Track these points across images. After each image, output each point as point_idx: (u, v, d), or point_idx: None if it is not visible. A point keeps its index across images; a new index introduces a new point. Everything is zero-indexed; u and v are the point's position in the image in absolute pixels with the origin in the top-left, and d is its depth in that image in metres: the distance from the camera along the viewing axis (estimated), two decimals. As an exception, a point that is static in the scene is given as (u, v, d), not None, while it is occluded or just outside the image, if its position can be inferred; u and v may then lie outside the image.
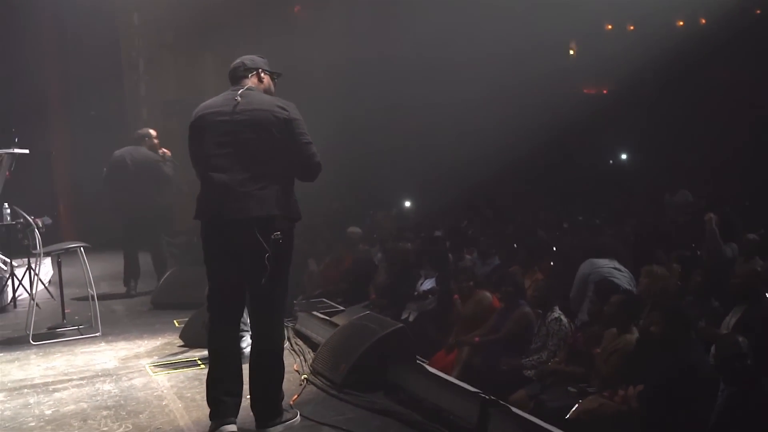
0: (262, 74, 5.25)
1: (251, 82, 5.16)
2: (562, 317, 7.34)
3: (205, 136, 4.99)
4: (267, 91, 5.22)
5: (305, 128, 4.99)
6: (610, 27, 22.31)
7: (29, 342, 7.88)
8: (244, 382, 5.06)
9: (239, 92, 5.01)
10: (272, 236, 4.78)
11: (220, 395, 4.91)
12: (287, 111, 4.95)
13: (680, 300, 6.89)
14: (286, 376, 5.82)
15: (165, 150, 10.51)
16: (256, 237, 4.76)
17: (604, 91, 22.87)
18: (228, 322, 5.11)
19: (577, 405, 6.02)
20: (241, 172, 4.85)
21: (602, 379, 6.30)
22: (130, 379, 6.55)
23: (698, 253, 8.64)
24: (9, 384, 6.57)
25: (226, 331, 5.10)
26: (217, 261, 5.04)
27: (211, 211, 4.98)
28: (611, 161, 21.67)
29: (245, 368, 5.08)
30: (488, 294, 8.25)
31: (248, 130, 4.89)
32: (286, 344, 7.28)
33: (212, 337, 5.09)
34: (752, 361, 5.06)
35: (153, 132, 10.77)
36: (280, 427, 5.02)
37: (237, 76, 5.19)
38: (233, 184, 4.84)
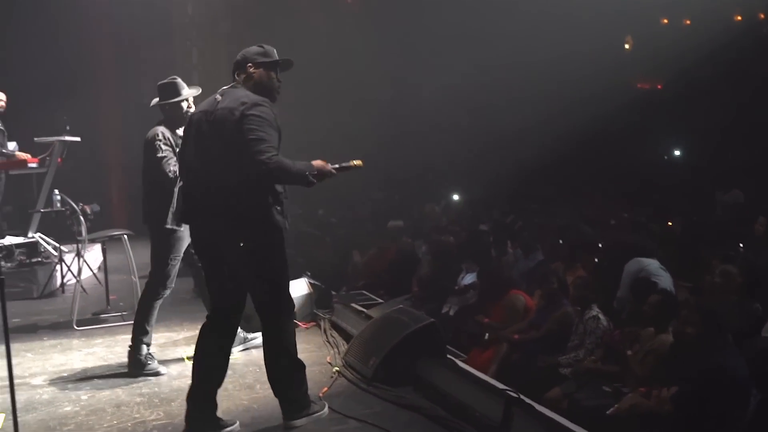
0: (251, 69, 4.92)
1: (241, 77, 4.93)
2: (600, 315, 7.28)
3: (188, 137, 5.01)
4: (257, 86, 4.88)
5: (260, 124, 4.59)
6: (665, 21, 21.99)
7: (73, 327, 8.05)
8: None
9: (220, 90, 4.94)
10: (240, 244, 4.76)
11: None
12: (245, 106, 4.65)
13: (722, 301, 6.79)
14: (318, 367, 5.87)
15: None
16: (226, 244, 4.83)
17: (659, 86, 22.55)
18: None
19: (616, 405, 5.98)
20: (208, 175, 4.78)
21: (637, 379, 6.25)
22: (167, 366, 6.63)
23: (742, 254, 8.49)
24: (49, 368, 6.71)
25: None
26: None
27: (182, 215, 5.28)
28: (665, 157, 21.36)
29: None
30: (521, 296, 8.19)
31: (214, 131, 4.76)
32: (322, 336, 7.39)
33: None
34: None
35: None
36: (304, 420, 5.03)
37: (232, 72, 5.02)
38: (201, 188, 4.84)
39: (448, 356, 6.20)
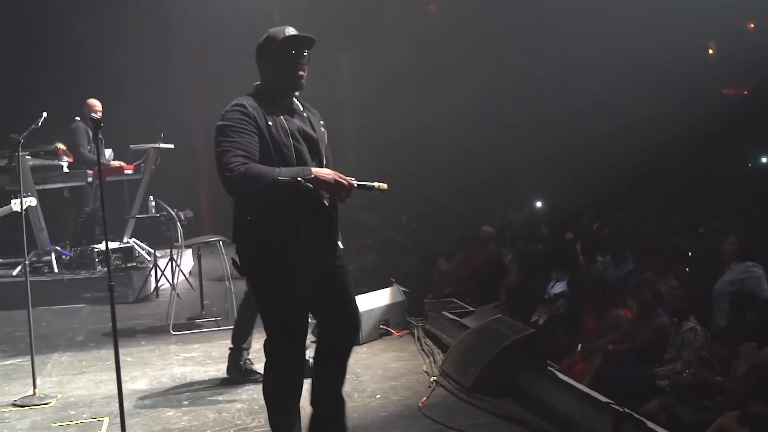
0: (261, 67, 4.38)
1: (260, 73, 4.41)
2: (698, 327, 7.16)
3: None
4: (273, 82, 4.33)
5: (224, 133, 4.09)
6: (752, 26, 21.55)
7: (169, 332, 8.22)
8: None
9: None
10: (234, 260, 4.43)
11: None
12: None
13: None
14: (414, 377, 5.89)
15: None
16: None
17: (745, 92, 22.11)
18: None
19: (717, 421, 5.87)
20: None
21: (741, 394, 6.13)
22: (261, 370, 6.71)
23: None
24: (150, 373, 6.87)
25: None
26: None
27: None
28: (750, 164, 20.95)
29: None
30: (622, 313, 8.07)
31: None
32: (416, 344, 7.40)
33: None
34: None
35: None
36: None
37: None
38: None
39: (549, 368, 6.16)
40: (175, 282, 9.07)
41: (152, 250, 10.33)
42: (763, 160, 20.99)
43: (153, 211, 10.16)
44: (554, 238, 11.60)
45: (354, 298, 4.57)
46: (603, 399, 5.16)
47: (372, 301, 7.85)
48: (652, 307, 7.70)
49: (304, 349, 4.46)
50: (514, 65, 17.74)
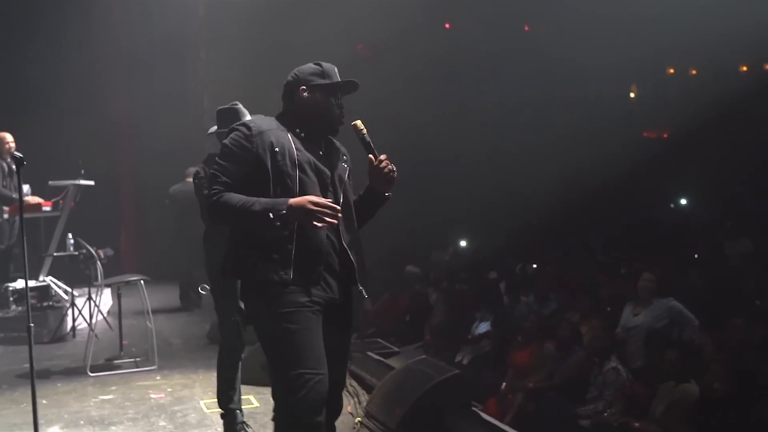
0: (305, 93, 4.07)
1: (292, 103, 4.13)
2: (620, 367, 7.24)
3: None
4: (312, 113, 4.06)
5: (223, 152, 3.90)
6: (672, 71, 22.18)
7: (87, 373, 7.97)
8: None
9: None
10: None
11: None
12: None
13: (743, 355, 6.75)
14: (340, 418, 5.79)
15: None
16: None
17: (665, 135, 22.66)
18: None
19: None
20: None
21: (661, 430, 6.20)
22: (185, 415, 6.58)
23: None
24: (65, 416, 6.64)
25: None
26: None
27: None
28: (672, 206, 21.41)
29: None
30: (551, 346, 8.13)
31: None
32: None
33: None
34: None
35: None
36: None
37: (283, 97, 4.22)
38: None
39: (473, 407, 6.15)
40: (93, 322, 8.84)
41: (69, 289, 10.08)
42: (683, 202, 21.47)
43: (71, 249, 9.92)
44: (479, 279, 11.63)
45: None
46: (527, 439, 5.16)
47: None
48: (570, 344, 7.79)
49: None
50: (444, 105, 17.87)
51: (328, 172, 4.02)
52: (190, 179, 11.78)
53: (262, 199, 3.75)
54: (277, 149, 3.87)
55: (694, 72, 21.85)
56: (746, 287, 9.60)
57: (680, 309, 7.96)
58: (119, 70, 15.48)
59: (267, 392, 6.99)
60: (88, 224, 10.80)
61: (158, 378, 7.89)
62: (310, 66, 4.11)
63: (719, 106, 17.56)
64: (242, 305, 4.02)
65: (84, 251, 9.20)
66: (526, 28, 20.32)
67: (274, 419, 3.93)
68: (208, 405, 6.85)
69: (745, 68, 21.14)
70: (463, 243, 16.70)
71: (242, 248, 3.88)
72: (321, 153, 4.05)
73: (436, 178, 18.09)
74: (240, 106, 5.80)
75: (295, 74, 4.10)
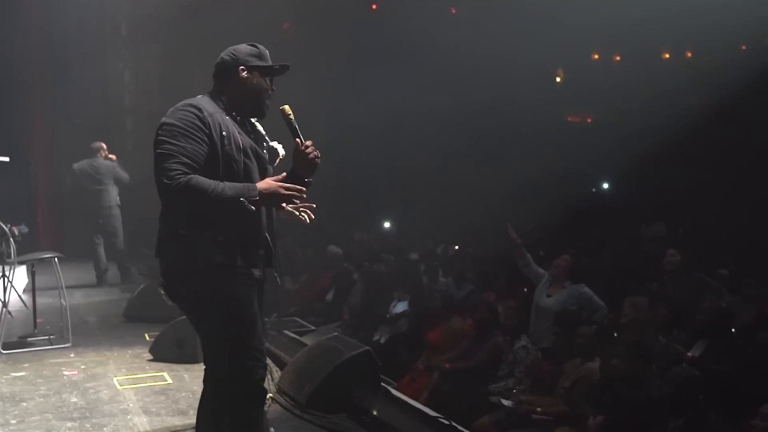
0: (244, 73, 4.04)
1: (226, 83, 4.08)
2: (529, 345, 7.40)
3: None
4: (248, 95, 4.04)
5: (171, 134, 3.77)
6: (596, 56, 22.51)
7: (-1, 350, 7.87)
8: None
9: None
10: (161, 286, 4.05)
11: None
12: (168, 113, 3.92)
13: (647, 333, 6.95)
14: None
15: (113, 156, 12.11)
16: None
17: (588, 120, 23.01)
18: None
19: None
20: None
21: (566, 407, 6.36)
22: (97, 391, 6.57)
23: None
24: (-25, 392, 6.58)
25: None
26: None
27: None
28: (593, 190, 21.75)
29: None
30: (459, 320, 8.27)
31: None
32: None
33: None
34: (704, 396, 5.16)
35: (104, 145, 12.14)
36: None
37: (214, 76, 4.17)
38: None
39: (382, 384, 6.24)
40: (6, 299, 8.71)
41: (-18, 267, 9.91)
42: (605, 186, 21.82)
43: (-16, 226, 9.75)
44: (399, 259, 11.72)
45: None
46: (432, 414, 5.27)
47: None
48: (489, 326, 7.90)
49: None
50: (364, 89, 17.89)
51: (264, 156, 4.08)
52: (102, 155, 11.86)
53: (229, 184, 3.75)
54: (224, 133, 3.85)
55: (617, 58, 22.21)
56: (655, 270, 9.84)
57: (591, 296, 8.10)
58: (36, 45, 15.18)
59: (180, 369, 7.08)
60: (2, 201, 10.62)
61: (72, 355, 7.85)
62: (246, 47, 4.08)
63: (641, 92, 17.93)
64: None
65: (-2, 228, 9.05)
66: (453, 11, 20.40)
67: (212, 396, 4.04)
68: (121, 382, 6.86)
69: (667, 55, 21.55)
70: (386, 224, 16.77)
71: (182, 229, 3.84)
72: (252, 137, 4.06)
73: (362, 159, 18.13)
74: None
75: (233, 54, 4.05)
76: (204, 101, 3.95)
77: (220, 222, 3.81)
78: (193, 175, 3.69)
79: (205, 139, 3.80)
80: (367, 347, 6.28)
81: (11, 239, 8.45)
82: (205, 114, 3.83)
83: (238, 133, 3.94)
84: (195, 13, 14.89)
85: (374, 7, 19.40)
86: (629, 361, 5.71)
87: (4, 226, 8.68)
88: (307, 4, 15.96)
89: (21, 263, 9.05)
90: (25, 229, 9.78)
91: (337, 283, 11.09)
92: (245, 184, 3.80)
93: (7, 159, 10.03)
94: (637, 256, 11.27)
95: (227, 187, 3.72)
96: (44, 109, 15.36)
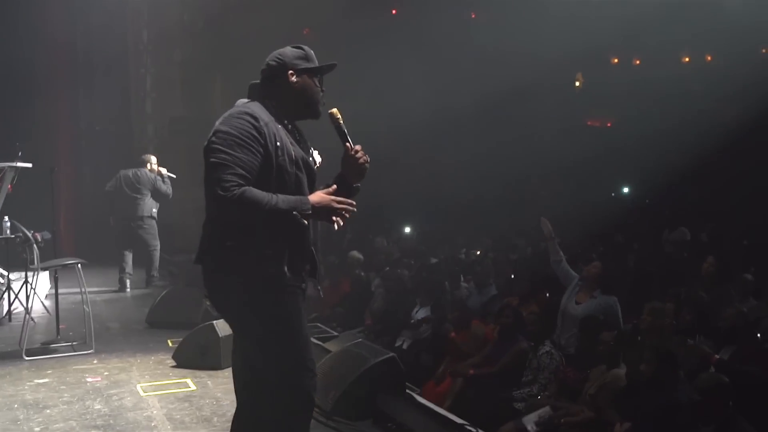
0: (293, 77, 3.93)
1: (275, 89, 3.95)
2: (553, 351, 7.34)
3: None
4: (299, 98, 3.96)
5: (225, 143, 3.66)
6: (616, 60, 22.44)
7: (22, 357, 7.89)
8: None
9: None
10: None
11: None
12: (220, 121, 3.80)
13: (671, 338, 6.89)
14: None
15: (163, 169, 12.22)
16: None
17: (608, 124, 22.93)
18: None
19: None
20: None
21: (592, 414, 6.30)
22: (121, 398, 6.56)
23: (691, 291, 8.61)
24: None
25: None
26: None
27: None
28: (613, 194, 21.67)
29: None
30: (482, 325, 8.22)
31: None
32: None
33: None
34: (734, 402, 5.09)
35: (153, 158, 12.47)
36: None
37: (262, 82, 4.03)
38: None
39: (407, 390, 6.21)
40: (29, 306, 8.75)
41: (6, 273, 9.96)
42: (625, 190, 21.74)
43: (8, 232, 9.80)
44: (420, 264, 11.69)
45: None
46: (458, 420, 5.23)
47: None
48: (513, 332, 7.84)
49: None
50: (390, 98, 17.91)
51: (313, 166, 3.97)
52: (147, 167, 12.21)
53: (283, 197, 3.65)
54: (278, 144, 3.75)
55: (637, 62, 22.15)
56: (679, 274, 9.77)
57: (617, 312, 8.05)
58: (59, 52, 15.28)
59: (203, 375, 7.07)
60: (25, 207, 10.67)
61: (95, 362, 7.84)
62: (292, 50, 3.98)
63: (661, 96, 17.85)
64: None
65: (20, 234, 9.09)
66: (473, 16, 20.38)
67: (254, 406, 3.91)
68: (145, 388, 6.84)
69: (686, 59, 21.47)
70: (407, 230, 16.74)
71: (230, 240, 3.71)
72: (301, 146, 3.95)
73: (382, 164, 18.09)
74: None
75: (279, 58, 3.94)
76: (257, 108, 3.82)
77: (269, 234, 3.72)
78: (247, 187, 3.59)
79: (260, 149, 3.68)
80: (392, 353, 6.25)
81: (34, 245, 8.48)
82: (261, 123, 3.72)
83: (290, 143, 3.84)
84: (215, 20, 14.96)
85: (394, 12, 19.38)
86: (657, 367, 5.64)
87: (27, 232, 8.72)
88: (326, 10, 15.95)
89: (44, 269, 9.07)
90: (48, 235, 9.84)
91: (357, 288, 11.09)
92: (298, 197, 3.72)
93: (30, 165, 10.10)
94: (660, 260, 11.20)
95: (281, 200, 3.64)
96: (67, 115, 15.45)
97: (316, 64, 3.99)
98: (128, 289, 12.27)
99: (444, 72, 17.90)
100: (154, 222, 12.40)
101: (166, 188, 12.28)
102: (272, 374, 3.81)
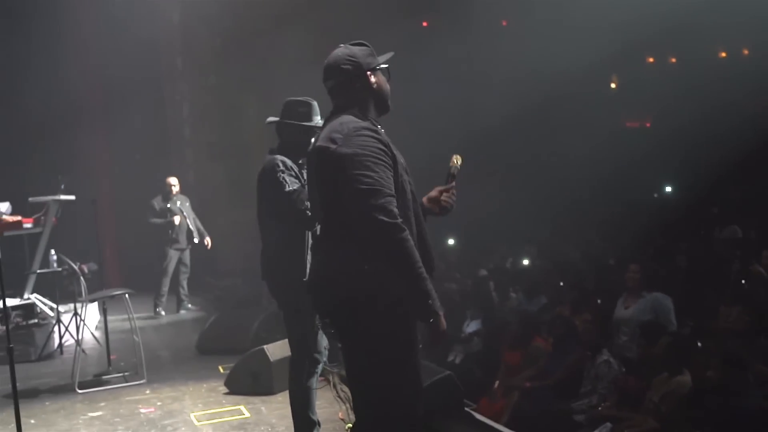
0: (372, 78, 3.74)
1: (356, 93, 3.74)
2: (612, 359, 7.18)
3: (310, 173, 3.94)
4: (378, 98, 3.77)
5: (367, 164, 3.41)
6: (651, 59, 22.20)
7: (75, 390, 7.88)
8: None
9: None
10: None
11: None
12: (336, 143, 3.51)
13: (736, 342, 6.71)
14: (331, 425, 5.74)
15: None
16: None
17: (647, 125, 22.68)
18: None
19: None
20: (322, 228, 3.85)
21: (657, 423, 6.15)
22: (175, 429, 6.50)
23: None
24: (54, 435, 6.57)
25: None
26: None
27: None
28: (655, 195, 21.39)
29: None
30: (541, 344, 8.04)
31: (310, 170, 3.87)
32: (332, 391, 7.22)
33: None
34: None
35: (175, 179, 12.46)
36: None
37: (339, 90, 3.79)
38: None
39: (465, 408, 6.09)
40: (79, 338, 8.75)
41: (55, 306, 9.99)
42: (667, 190, 21.44)
43: (55, 265, 9.83)
44: (468, 277, 11.56)
45: None
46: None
47: (288, 348, 7.67)
48: (567, 342, 7.71)
49: None
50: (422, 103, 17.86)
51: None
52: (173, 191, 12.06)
53: (427, 278, 3.44)
54: (394, 152, 3.56)
55: (673, 60, 21.89)
56: (732, 274, 9.55)
57: (667, 307, 7.88)
58: (94, 84, 15.39)
59: (257, 401, 7.00)
60: (71, 240, 10.72)
61: (147, 392, 7.80)
62: (359, 49, 3.76)
63: (699, 93, 17.61)
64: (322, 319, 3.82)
65: (67, 267, 9.10)
66: (504, 23, 20.23)
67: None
68: (198, 417, 6.78)
69: (723, 54, 21.18)
70: (450, 241, 16.61)
71: (367, 263, 3.47)
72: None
73: (419, 174, 18.02)
74: (315, 104, 5.16)
75: (353, 60, 3.69)
76: (366, 121, 3.62)
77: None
78: (407, 232, 3.40)
79: (390, 162, 3.50)
80: (449, 372, 6.12)
81: (81, 277, 8.49)
82: (382, 135, 3.55)
83: (398, 152, 3.64)
84: (245, 42, 14.95)
85: (425, 24, 19.29)
86: (725, 372, 5.48)
87: (73, 265, 8.73)
88: (357, 26, 15.93)
89: (92, 301, 9.08)
90: (94, 266, 9.88)
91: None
92: (435, 294, 3.48)
93: (73, 197, 10.15)
94: (712, 260, 10.97)
95: (426, 278, 3.43)
96: (106, 146, 15.54)
97: (378, 57, 3.80)
98: (157, 313, 12.35)
99: (475, 80, 17.78)
100: (190, 245, 12.52)
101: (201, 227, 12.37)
102: (395, 397, 3.62)
